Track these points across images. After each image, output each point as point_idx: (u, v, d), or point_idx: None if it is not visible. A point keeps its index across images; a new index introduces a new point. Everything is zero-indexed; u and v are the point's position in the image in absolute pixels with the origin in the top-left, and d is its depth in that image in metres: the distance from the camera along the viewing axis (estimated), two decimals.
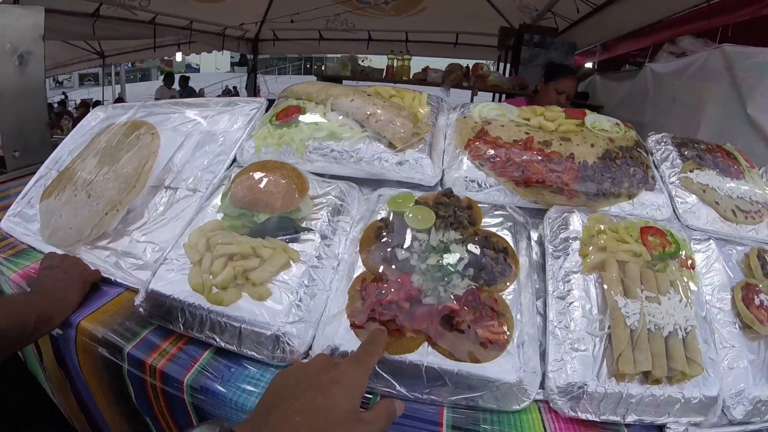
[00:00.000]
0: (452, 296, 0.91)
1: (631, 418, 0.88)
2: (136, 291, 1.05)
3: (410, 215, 1.03)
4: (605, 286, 0.97)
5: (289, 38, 8.47)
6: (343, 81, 5.83)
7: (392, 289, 0.91)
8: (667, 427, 0.89)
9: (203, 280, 0.97)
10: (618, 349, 0.89)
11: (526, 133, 1.26)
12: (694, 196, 1.26)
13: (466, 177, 1.20)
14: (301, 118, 1.32)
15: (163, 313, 0.97)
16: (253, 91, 9.00)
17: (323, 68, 7.01)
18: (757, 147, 2.71)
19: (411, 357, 0.86)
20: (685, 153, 1.37)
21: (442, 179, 1.24)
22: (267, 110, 1.48)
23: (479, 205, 1.12)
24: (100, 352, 0.98)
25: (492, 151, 1.21)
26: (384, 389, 0.87)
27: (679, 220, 1.24)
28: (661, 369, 0.87)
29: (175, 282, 0.98)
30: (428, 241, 0.99)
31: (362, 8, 6.90)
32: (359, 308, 0.91)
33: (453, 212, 1.05)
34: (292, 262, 1.00)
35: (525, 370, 0.87)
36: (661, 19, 4.17)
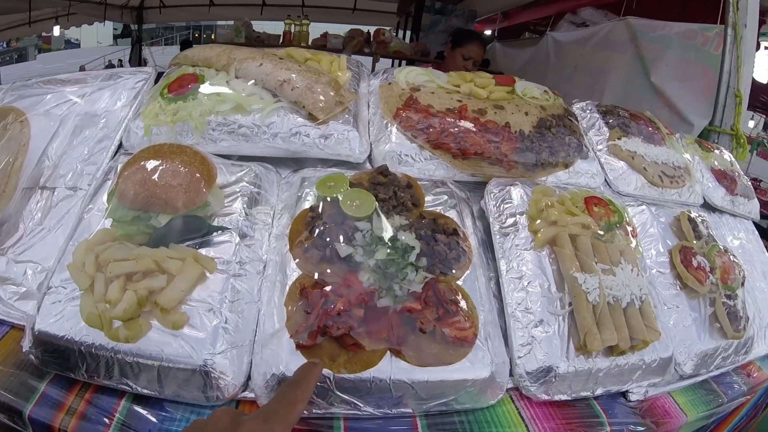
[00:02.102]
0: (410, 293, 0.79)
1: (599, 391, 0.88)
2: (22, 328, 0.82)
3: (347, 201, 0.88)
4: (561, 263, 0.91)
5: (177, 4, 7.74)
6: None
7: (340, 296, 0.77)
8: (630, 392, 0.92)
9: (99, 311, 0.75)
10: (584, 328, 0.85)
11: (459, 100, 1.16)
12: (622, 162, 1.25)
13: (399, 151, 1.07)
14: (200, 88, 1.09)
15: (58, 359, 0.76)
16: (138, 64, 8.15)
17: (213, 36, 6.48)
18: (661, 113, 2.86)
19: (374, 372, 0.74)
20: (610, 121, 1.36)
21: (370, 153, 1.10)
22: (157, 82, 1.23)
23: (419, 182, 1.01)
24: None
25: (425, 122, 1.09)
26: (347, 412, 0.75)
27: (610, 187, 1.23)
28: (625, 341, 0.87)
29: (65, 318, 0.76)
30: (372, 230, 0.85)
31: None
32: (303, 324, 0.75)
33: (393, 193, 0.92)
34: (207, 273, 0.81)
35: (496, 362, 0.80)
36: None
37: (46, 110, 1.20)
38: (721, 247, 1.17)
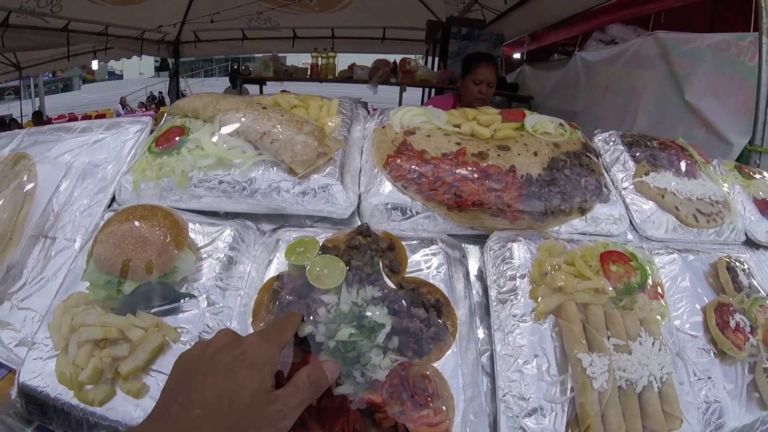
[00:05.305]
0: (372, 381, 0.69)
1: None
2: None
3: (314, 270, 0.79)
4: (565, 339, 0.79)
5: (212, 39, 8.07)
6: (267, 82, 5.58)
7: None
8: None
9: (70, 373, 0.78)
10: (585, 421, 0.72)
11: (457, 143, 1.06)
12: (651, 202, 1.13)
13: (387, 203, 0.98)
14: (184, 141, 1.06)
15: (38, 410, 0.80)
16: (176, 96, 8.50)
17: (243, 67, 6.76)
18: (698, 133, 2.70)
19: None
20: (637, 154, 1.23)
21: (359, 207, 1.02)
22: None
23: (404, 241, 0.91)
24: None
25: (417, 170, 1.00)
26: None
27: (637, 231, 1.11)
28: None
29: (44, 374, 0.80)
30: (338, 305, 0.75)
31: (286, 5, 6.56)
32: None
33: (369, 258, 0.82)
34: (171, 343, 0.79)
35: None
36: (591, 8, 4.14)
37: (54, 158, 1.24)
38: (766, 299, 1.01)
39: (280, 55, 5.81)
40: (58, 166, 1.20)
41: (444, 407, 0.70)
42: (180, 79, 8.82)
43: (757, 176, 1.38)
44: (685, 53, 2.95)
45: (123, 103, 15.45)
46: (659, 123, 3.04)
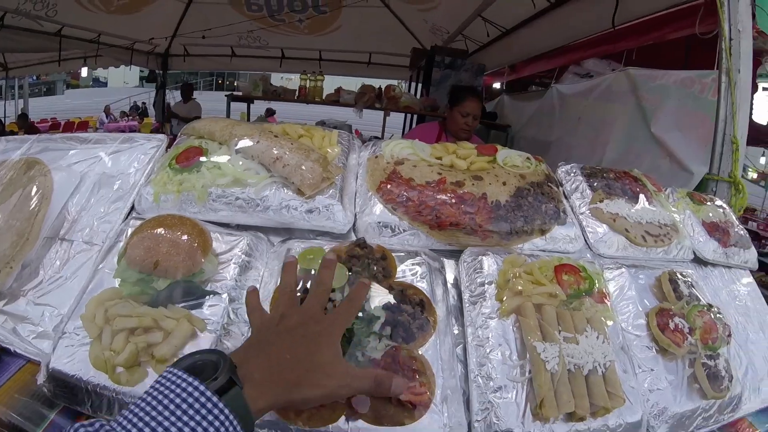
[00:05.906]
0: (370, 360, 0.87)
1: None
2: (38, 363, 0.95)
3: None
4: (524, 332, 0.97)
5: (201, 54, 8.22)
6: (255, 101, 5.72)
7: None
8: None
9: (105, 357, 0.87)
10: (540, 395, 0.90)
11: (439, 173, 1.25)
12: (604, 225, 1.30)
13: (379, 222, 1.16)
14: (203, 161, 1.20)
15: (68, 394, 0.88)
16: (161, 108, 8.58)
17: (236, 84, 6.90)
18: (662, 163, 2.88)
19: (333, 428, 0.82)
20: (594, 184, 1.42)
21: (354, 224, 1.19)
22: (169, 148, 1.34)
23: (394, 253, 1.09)
24: None
25: (405, 194, 1.18)
26: None
27: (591, 250, 1.28)
28: (583, 408, 0.90)
29: (76, 360, 0.89)
30: (342, 300, 0.92)
31: (276, 26, 6.79)
32: None
33: (366, 265, 1.01)
34: (198, 332, 0.92)
35: (450, 425, 0.86)
36: (568, 43, 4.36)
37: (68, 165, 1.31)
38: (705, 306, 1.17)
39: (266, 73, 5.98)
40: (73, 174, 1.27)
41: (427, 382, 0.87)
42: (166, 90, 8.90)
43: (708, 203, 1.56)
44: (653, 89, 3.12)
45: (107, 111, 15.36)
46: (627, 153, 3.22)
